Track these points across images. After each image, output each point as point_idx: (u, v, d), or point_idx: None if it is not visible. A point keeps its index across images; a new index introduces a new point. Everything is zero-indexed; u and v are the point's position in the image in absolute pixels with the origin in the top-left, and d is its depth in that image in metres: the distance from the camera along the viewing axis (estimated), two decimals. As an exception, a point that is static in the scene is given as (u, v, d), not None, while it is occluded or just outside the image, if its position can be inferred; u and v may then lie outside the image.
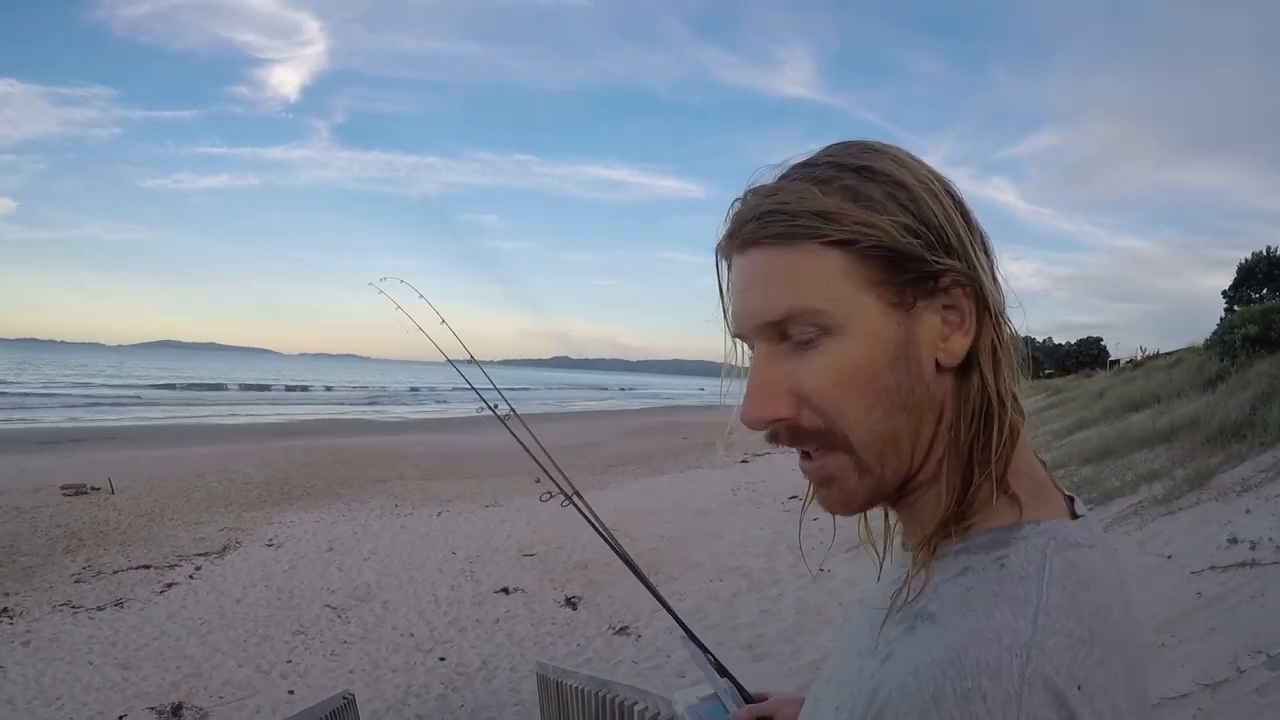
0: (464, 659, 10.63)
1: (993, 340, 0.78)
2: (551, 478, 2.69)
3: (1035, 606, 0.66)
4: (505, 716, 9.09)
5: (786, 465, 21.52)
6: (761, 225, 0.79)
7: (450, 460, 30.28)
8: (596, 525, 2.33)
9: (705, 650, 1.69)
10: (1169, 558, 8.01)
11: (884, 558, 1.03)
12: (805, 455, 0.85)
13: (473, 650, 10.91)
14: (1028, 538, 0.74)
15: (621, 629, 11.26)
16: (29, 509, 18.18)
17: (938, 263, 0.76)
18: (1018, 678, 0.61)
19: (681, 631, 1.96)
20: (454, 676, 10.10)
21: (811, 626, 9.69)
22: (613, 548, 2.28)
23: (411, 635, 11.54)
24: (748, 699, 1.41)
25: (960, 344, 0.78)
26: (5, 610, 11.83)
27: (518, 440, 2.84)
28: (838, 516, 0.90)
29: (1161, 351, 37.65)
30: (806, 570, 11.84)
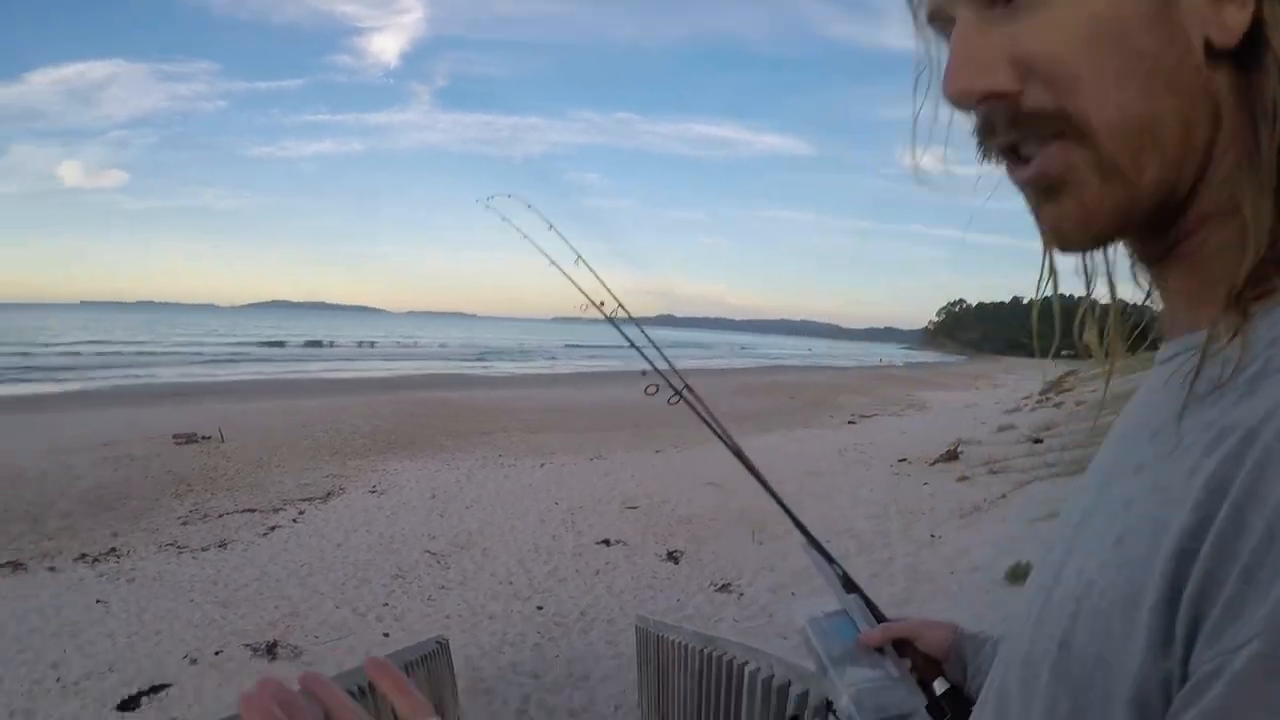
0: (562, 609, 10.48)
1: None
2: (658, 369, 2.35)
3: None
4: (601, 669, 8.89)
5: (895, 428, 20.92)
6: None
7: (555, 415, 30.31)
8: (713, 425, 2.14)
9: (831, 561, 1.55)
10: None
11: (1110, 369, 0.76)
12: (1019, 158, 0.61)
13: (571, 601, 10.76)
14: None
15: (724, 586, 10.94)
16: (141, 456, 18.74)
17: None
18: None
19: (803, 539, 1.73)
20: (551, 626, 9.95)
21: (923, 595, 9.25)
22: (733, 450, 2.04)
23: (510, 583, 11.45)
24: (880, 618, 1.31)
25: (1238, 18, 0.53)
26: (113, 550, 12.15)
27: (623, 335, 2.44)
28: (1068, 252, 0.67)
29: None
30: (917, 536, 11.42)
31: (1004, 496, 12.33)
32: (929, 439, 19.94)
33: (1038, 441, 18.55)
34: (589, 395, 37.03)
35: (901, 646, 1.26)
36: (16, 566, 11.25)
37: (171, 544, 12.58)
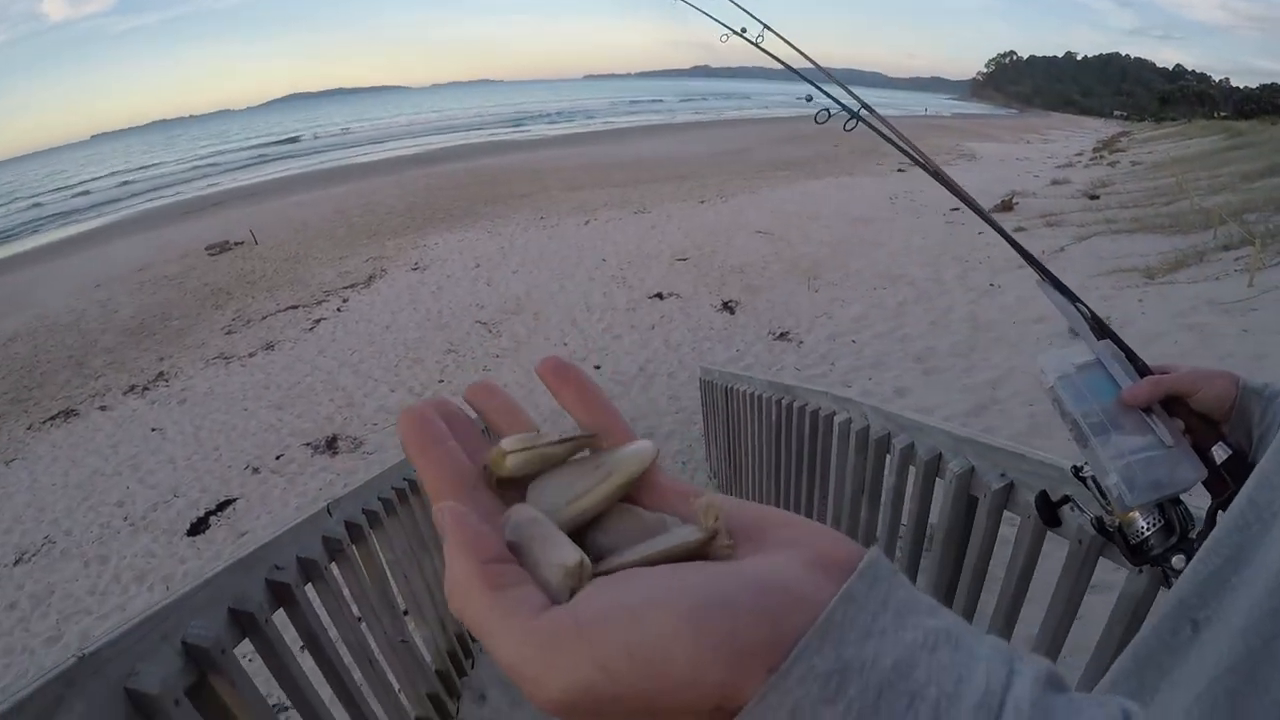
0: (620, 366, 10.16)
1: None
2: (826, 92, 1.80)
3: None
4: (665, 423, 8.62)
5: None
6: None
7: (593, 171, 29.27)
8: (903, 146, 1.70)
9: (1075, 299, 1.20)
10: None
11: None
12: None
13: (628, 357, 10.42)
14: None
15: (782, 334, 10.44)
16: (176, 275, 18.49)
17: None
18: None
19: (1038, 276, 1.27)
20: (610, 384, 9.62)
21: (985, 343, 8.63)
22: (931, 173, 1.55)
23: (565, 345, 11.12)
24: (1142, 369, 1.08)
25: None
26: (161, 375, 11.97)
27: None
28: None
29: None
30: (976, 284, 10.71)
31: (1063, 249, 11.65)
32: (981, 189, 18.70)
33: (1094, 198, 17.97)
34: (625, 149, 35.80)
35: (1171, 405, 1.05)
36: (69, 414, 11.12)
37: (218, 356, 12.35)
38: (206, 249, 20.30)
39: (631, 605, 0.30)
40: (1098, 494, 1.11)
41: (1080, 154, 36.69)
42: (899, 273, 12.44)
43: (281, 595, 2.03)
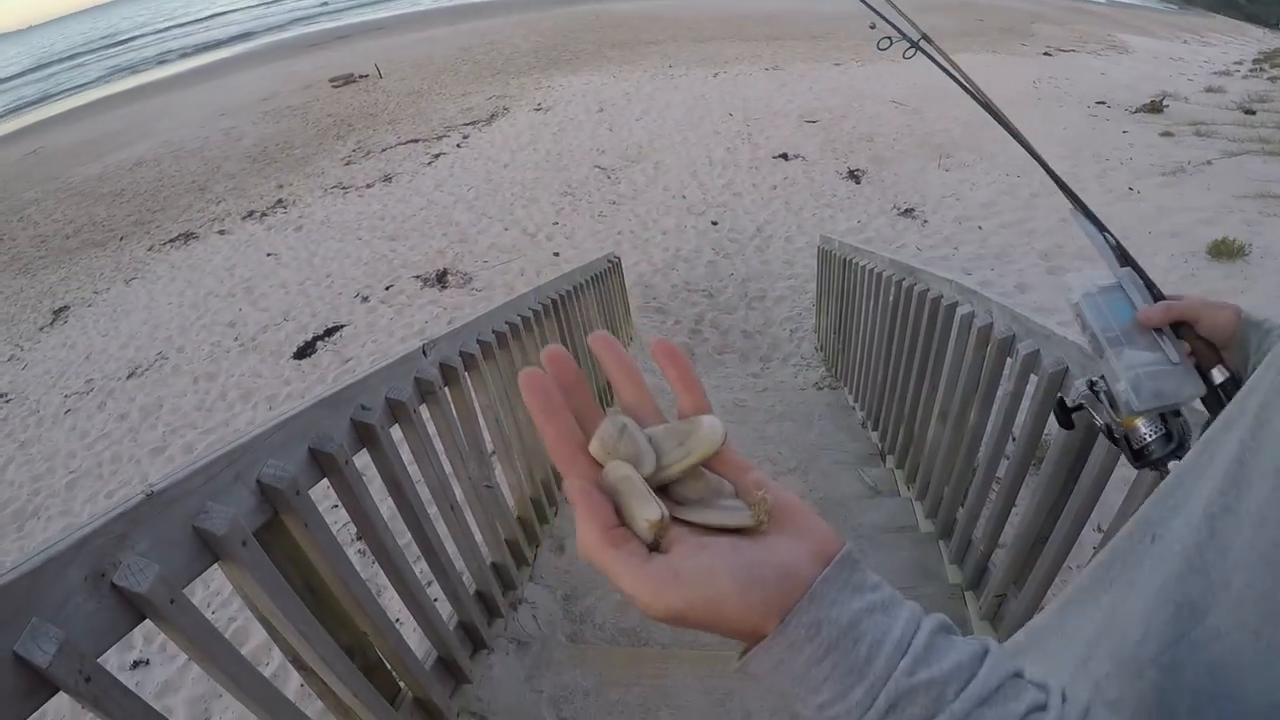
0: (737, 224, 9.68)
1: None
2: (889, 21, 1.87)
3: None
4: (777, 289, 8.22)
5: (1094, 67, 18.06)
6: None
7: (727, 23, 27.78)
8: (957, 77, 1.75)
9: (1103, 229, 1.38)
10: None
11: None
12: None
13: (747, 216, 9.91)
14: None
15: (907, 210, 9.76)
16: (300, 105, 18.45)
17: None
18: None
19: (1070, 203, 1.44)
20: (725, 243, 9.21)
21: None
22: (982, 104, 1.67)
23: (683, 197, 10.60)
24: (1157, 296, 1.19)
25: None
26: (279, 202, 11.96)
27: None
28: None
29: None
30: (1114, 186, 9.68)
31: (1210, 163, 10.33)
32: (1131, 86, 16.91)
33: (1250, 113, 15.85)
34: (762, 3, 34.14)
35: (1180, 329, 1.14)
36: (188, 237, 11.25)
37: (336, 186, 12.26)
38: (330, 81, 20.20)
39: (706, 568, 0.47)
40: (1108, 405, 1.25)
41: (1240, 63, 33.62)
42: (1034, 165, 11.41)
43: (366, 436, 1.95)
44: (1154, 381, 1.14)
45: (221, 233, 11.10)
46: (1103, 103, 14.36)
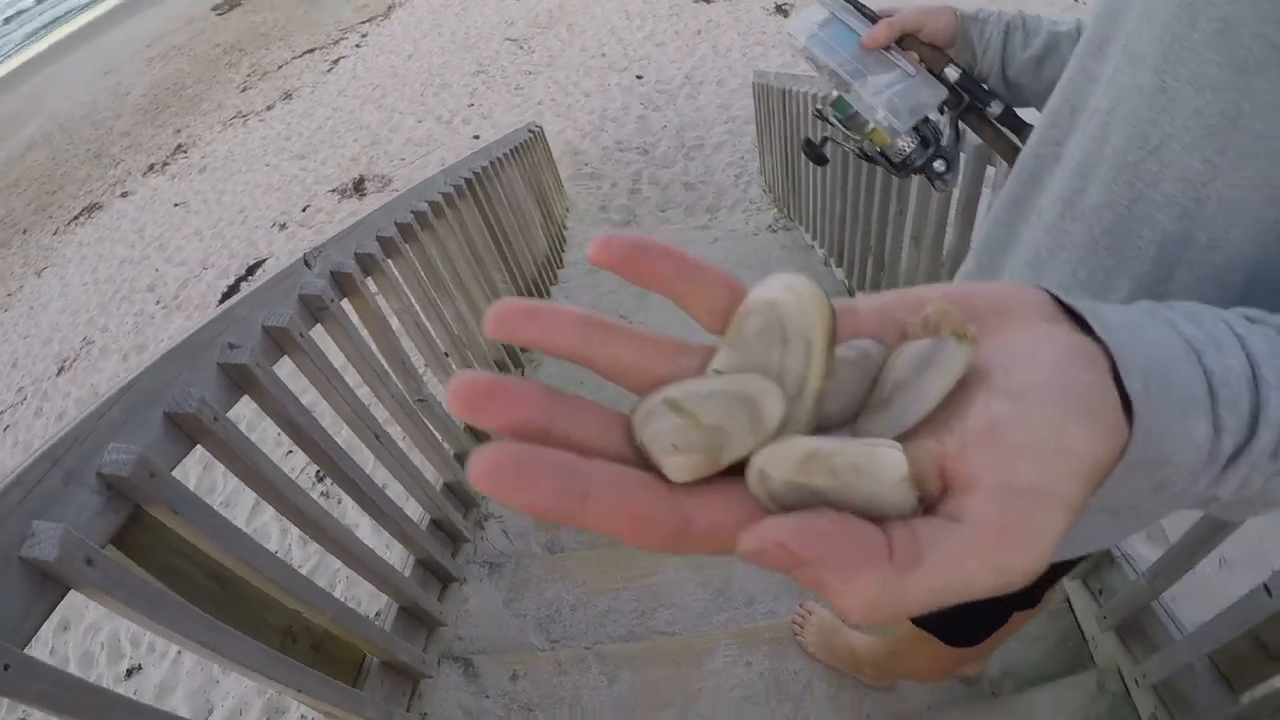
0: (664, 75, 9.11)
1: None
2: None
3: None
4: (715, 134, 7.78)
5: None
6: None
7: None
8: None
9: None
10: None
11: None
12: None
13: (673, 65, 9.30)
14: None
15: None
16: (185, 42, 17.31)
17: None
18: None
19: None
20: (654, 95, 8.68)
21: None
22: None
23: (603, 55, 9.95)
24: (871, 17, 1.18)
25: None
26: (179, 147, 11.16)
27: None
28: None
29: None
30: None
31: None
32: None
33: None
34: None
35: (904, 41, 1.17)
36: (92, 209, 10.47)
37: (235, 116, 11.46)
38: (214, 9, 19.05)
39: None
40: (842, 127, 1.24)
41: None
42: None
43: (241, 379, 1.57)
44: (906, 98, 1.15)
45: (124, 195, 10.35)
46: None
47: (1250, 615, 1.36)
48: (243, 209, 8.47)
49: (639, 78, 9.21)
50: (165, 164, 10.72)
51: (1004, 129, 1.19)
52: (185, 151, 10.86)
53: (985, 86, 1.16)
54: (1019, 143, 1.16)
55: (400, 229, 2.61)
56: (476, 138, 8.35)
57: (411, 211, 2.79)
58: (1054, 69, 1.09)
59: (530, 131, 6.00)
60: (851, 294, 4.07)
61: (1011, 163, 1.08)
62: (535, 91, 9.39)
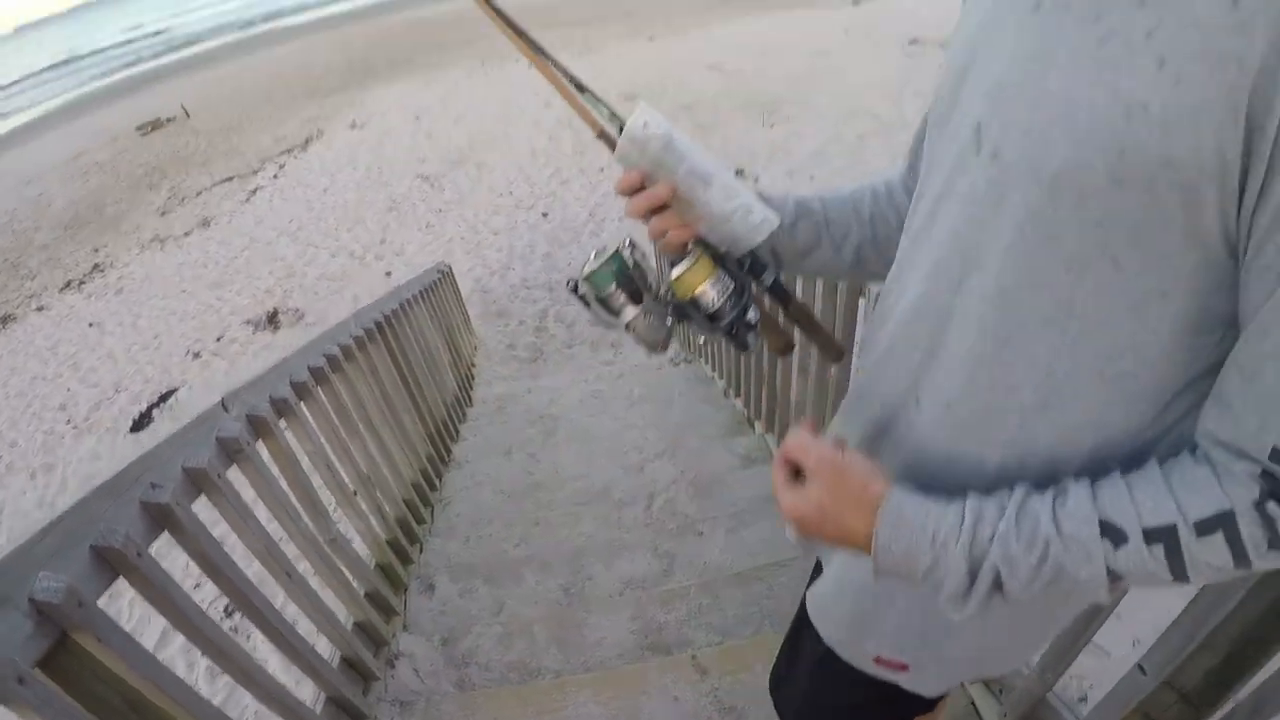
0: (569, 213, 9.54)
1: None
2: None
3: None
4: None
5: (905, 7, 18.62)
6: None
7: (539, 11, 27.50)
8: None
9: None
10: None
11: None
12: None
13: (578, 203, 9.77)
14: None
15: (737, 172, 9.65)
16: (108, 160, 17.44)
17: None
18: None
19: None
20: (559, 233, 9.07)
21: None
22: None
23: (511, 194, 10.42)
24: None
25: None
26: (96, 266, 11.24)
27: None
28: None
29: None
30: None
31: None
32: (944, 19, 17.63)
33: None
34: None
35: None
36: (5, 321, 10.44)
37: (154, 239, 11.61)
38: (138, 129, 19.24)
39: None
40: (601, 306, 1.11)
41: None
42: (858, 106, 11.59)
43: (162, 518, 1.62)
44: (758, 199, 1.09)
45: (40, 309, 10.34)
46: (916, 41, 14.65)
47: (1132, 694, 1.44)
48: (157, 335, 8.59)
49: (545, 215, 9.59)
50: (82, 282, 10.77)
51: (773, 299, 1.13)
52: (103, 271, 10.93)
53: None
54: (784, 314, 1.15)
55: (313, 373, 2.72)
56: (388, 274, 8.66)
57: (324, 355, 2.91)
58: (818, 260, 1.13)
59: (440, 272, 6.22)
60: (750, 423, 4.32)
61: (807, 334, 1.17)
62: (446, 229, 9.72)
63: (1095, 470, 0.77)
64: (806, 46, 17.06)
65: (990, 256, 0.78)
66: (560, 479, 4.07)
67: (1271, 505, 0.65)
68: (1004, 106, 0.77)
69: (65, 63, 64.51)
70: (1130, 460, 0.76)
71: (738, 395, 4.63)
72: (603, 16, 24.01)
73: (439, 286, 6.03)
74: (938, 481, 0.87)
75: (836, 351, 1.18)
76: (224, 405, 2.11)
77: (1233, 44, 0.61)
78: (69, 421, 7.54)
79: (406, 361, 4.17)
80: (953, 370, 0.84)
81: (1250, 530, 0.67)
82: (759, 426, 4.19)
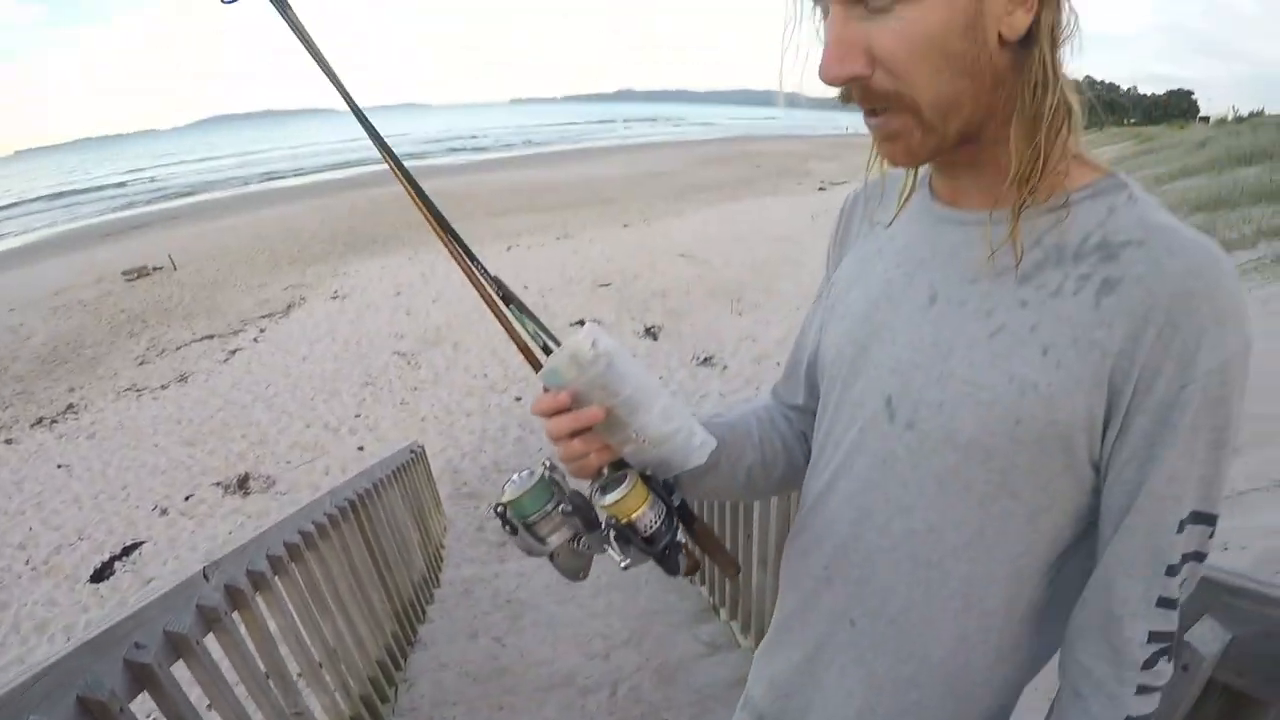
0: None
1: (1053, 20, 0.84)
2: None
3: (1184, 225, 0.86)
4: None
5: None
6: None
7: (518, 196, 28.95)
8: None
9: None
10: (1299, 321, 6.89)
11: (899, 211, 1.11)
12: (871, 113, 0.90)
13: None
14: (1129, 182, 0.91)
15: (706, 360, 10.36)
16: (91, 300, 17.72)
17: None
18: (1229, 263, 0.83)
19: None
20: (531, 418, 9.18)
21: None
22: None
23: (485, 376, 10.80)
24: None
25: (1023, 20, 0.83)
26: (70, 406, 11.39)
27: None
28: (897, 167, 0.99)
29: (1263, 112, 35.99)
30: None
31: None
32: None
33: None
34: (552, 174, 35.55)
35: None
36: (-28, 446, 10.48)
37: (130, 388, 11.81)
38: (124, 274, 19.55)
39: None
40: (527, 533, 1.08)
41: None
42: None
43: (143, 677, 1.78)
44: (697, 427, 1.11)
45: (9, 442, 10.41)
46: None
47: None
48: (126, 485, 8.70)
49: (518, 399, 9.83)
50: (54, 421, 10.88)
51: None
52: (76, 413, 11.07)
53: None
54: (689, 533, 1.13)
55: (288, 548, 2.85)
56: (361, 449, 8.89)
57: (299, 531, 3.04)
58: (713, 481, 1.16)
59: (412, 452, 6.32)
60: (715, 610, 4.40)
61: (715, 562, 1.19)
62: (420, 407, 9.95)
63: (1012, 639, 1.00)
64: (773, 233, 18.16)
65: (914, 503, 0.98)
66: (525, 664, 4.11)
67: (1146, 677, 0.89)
68: (914, 385, 0.98)
69: (60, 195, 65.24)
70: (1038, 617, 0.99)
71: (703, 583, 4.78)
72: (580, 203, 25.37)
73: (412, 467, 6.17)
74: (884, 692, 1.07)
75: (734, 569, 1.21)
76: (205, 574, 2.23)
77: (1098, 335, 0.84)
78: (28, 562, 7.56)
79: (377, 541, 4.26)
80: (890, 592, 1.02)
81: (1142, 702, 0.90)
82: (724, 614, 4.29)
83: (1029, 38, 0.84)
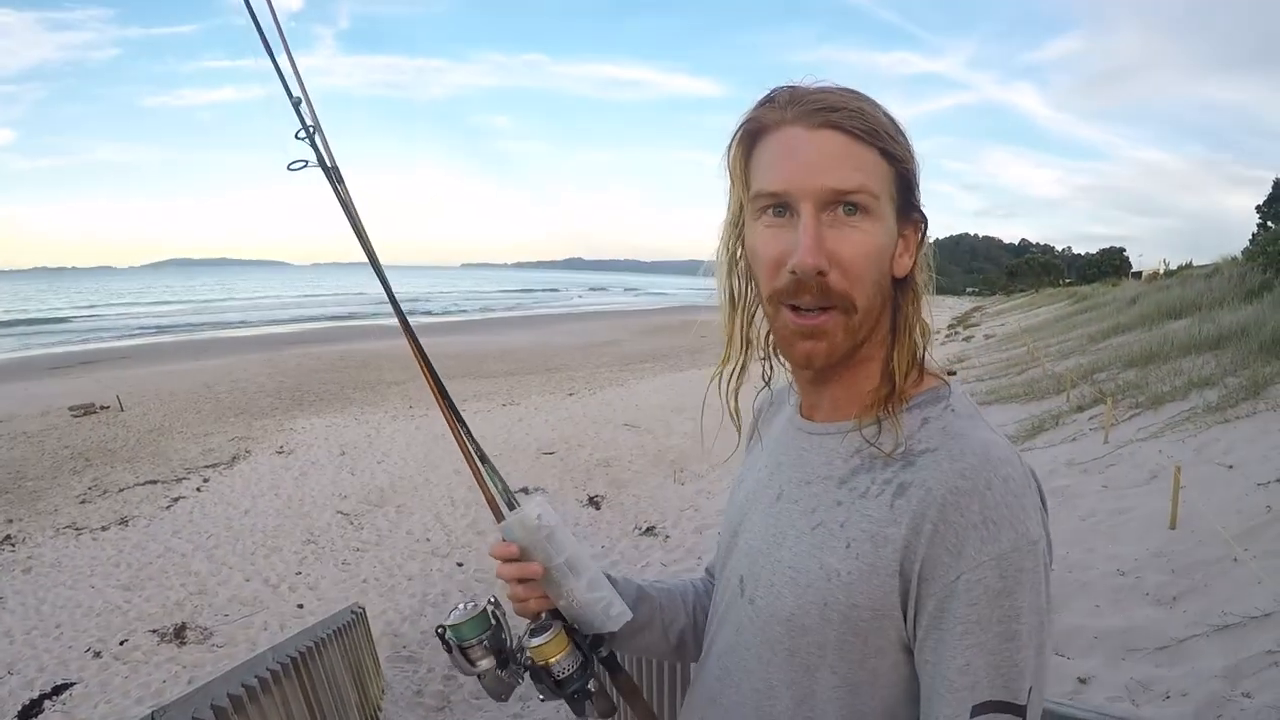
0: (484, 564, 9.86)
1: (924, 264, 1.11)
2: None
3: (991, 428, 1.04)
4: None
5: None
6: (847, 116, 1.00)
7: (466, 361, 29.43)
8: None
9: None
10: (1230, 468, 7.55)
11: (752, 439, 1.52)
12: (808, 311, 1.04)
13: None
14: (954, 391, 1.09)
15: (648, 529, 10.56)
16: (36, 433, 17.53)
17: (917, 201, 1.08)
18: (1021, 466, 0.98)
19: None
20: (473, 583, 9.38)
21: None
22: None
23: (427, 540, 10.85)
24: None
25: (907, 263, 1.09)
26: (8, 538, 11.21)
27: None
28: (807, 369, 1.16)
29: (1191, 264, 39.40)
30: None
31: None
32: None
33: (951, 374, 19.42)
34: (498, 339, 36.21)
35: None
36: (-97, 567, 10.23)
37: (70, 526, 11.66)
38: (70, 409, 19.39)
39: None
40: (461, 656, 1.32)
41: (938, 332, 39.03)
42: None
43: None
44: (616, 594, 1.32)
45: (-59, 571, 10.20)
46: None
47: None
48: (59, 624, 8.56)
49: (460, 565, 9.82)
50: (-11, 552, 10.67)
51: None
52: (14, 546, 10.90)
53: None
54: (613, 683, 1.42)
55: (232, 700, 2.85)
56: (301, 607, 8.82)
57: (242, 685, 3.06)
58: (646, 640, 1.44)
59: (353, 613, 6.38)
60: None
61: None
62: (361, 569, 9.88)
63: None
64: (716, 403, 18.39)
65: (756, 666, 1.11)
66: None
67: None
68: (757, 567, 1.13)
69: (12, 323, 64.37)
70: None
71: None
72: (527, 370, 25.94)
73: (352, 628, 6.22)
74: None
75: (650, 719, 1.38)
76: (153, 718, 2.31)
77: (889, 531, 0.96)
78: (-48, 697, 7.36)
79: (317, 700, 4.28)
80: None
81: None
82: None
83: (908, 278, 1.08)
